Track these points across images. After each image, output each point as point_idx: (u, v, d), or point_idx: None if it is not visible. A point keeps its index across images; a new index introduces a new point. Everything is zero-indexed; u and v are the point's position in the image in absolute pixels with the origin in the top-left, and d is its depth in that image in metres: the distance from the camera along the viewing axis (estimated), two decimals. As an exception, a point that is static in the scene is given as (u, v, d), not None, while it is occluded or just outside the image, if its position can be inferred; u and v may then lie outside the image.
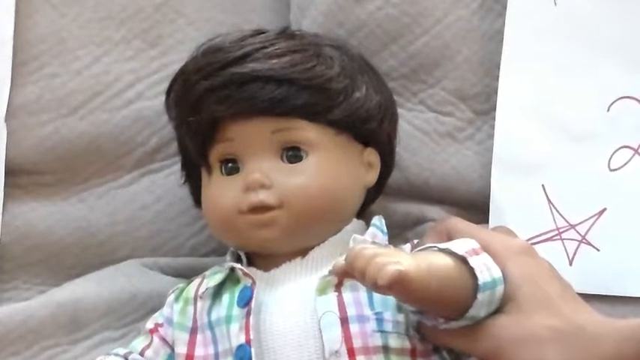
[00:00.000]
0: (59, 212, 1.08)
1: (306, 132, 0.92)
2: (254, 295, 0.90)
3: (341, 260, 0.82)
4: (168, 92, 0.99)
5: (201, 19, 1.10)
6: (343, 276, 0.85)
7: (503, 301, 0.86)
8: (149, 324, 0.97)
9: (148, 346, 0.96)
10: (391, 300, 0.89)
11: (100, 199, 1.08)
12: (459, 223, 0.93)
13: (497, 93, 1.04)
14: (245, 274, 0.92)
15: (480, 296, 0.83)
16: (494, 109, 1.05)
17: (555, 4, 1.03)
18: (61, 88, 1.08)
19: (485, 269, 0.84)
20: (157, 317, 0.97)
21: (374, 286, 0.78)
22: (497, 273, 0.85)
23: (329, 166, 0.92)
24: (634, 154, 1.02)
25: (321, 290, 0.89)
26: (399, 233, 1.04)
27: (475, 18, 1.06)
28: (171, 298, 0.97)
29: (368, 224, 0.96)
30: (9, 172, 1.07)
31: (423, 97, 1.07)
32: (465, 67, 1.06)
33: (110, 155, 1.08)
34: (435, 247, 0.85)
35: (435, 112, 1.06)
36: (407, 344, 0.88)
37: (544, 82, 1.04)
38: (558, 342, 0.83)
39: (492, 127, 1.05)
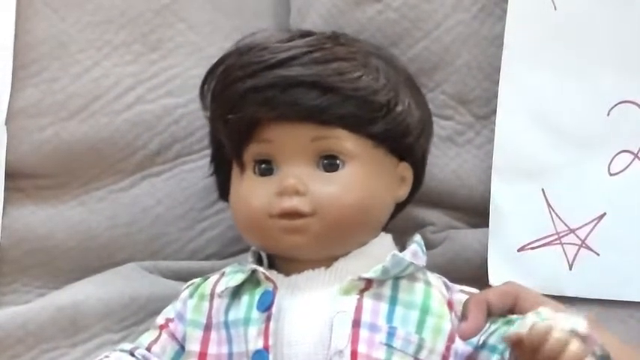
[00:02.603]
0: (59, 215, 1.08)
1: (346, 142, 0.92)
2: (275, 301, 0.89)
3: (524, 329, 0.80)
4: (204, 82, 0.98)
5: (201, 23, 1.10)
6: (515, 343, 0.81)
7: None
8: (160, 319, 0.96)
9: (155, 341, 0.95)
10: (413, 318, 0.89)
11: (99, 203, 1.08)
12: (521, 290, 0.90)
13: (497, 97, 1.05)
14: (267, 277, 0.91)
15: None
16: (494, 113, 1.05)
17: (555, 8, 1.03)
18: (61, 92, 1.08)
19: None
20: (169, 312, 0.96)
21: None
22: None
23: (364, 178, 0.92)
24: (634, 159, 1.02)
25: (346, 291, 0.89)
26: (398, 237, 1.04)
27: (475, 22, 1.06)
28: (185, 293, 0.96)
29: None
30: (9, 176, 1.07)
31: (424, 101, 1.07)
32: (465, 71, 1.06)
33: (110, 159, 1.08)
34: None
35: (434, 116, 1.06)
36: None
37: (544, 87, 1.04)
38: None
39: (492, 131, 1.05)
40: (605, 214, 1.02)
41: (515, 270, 1.01)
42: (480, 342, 0.88)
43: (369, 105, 0.93)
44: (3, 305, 1.06)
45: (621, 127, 1.02)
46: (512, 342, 0.80)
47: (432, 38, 1.06)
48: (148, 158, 1.09)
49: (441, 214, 1.07)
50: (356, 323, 0.88)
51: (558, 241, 1.02)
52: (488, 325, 0.88)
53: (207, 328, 0.93)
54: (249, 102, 0.91)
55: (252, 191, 0.92)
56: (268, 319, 0.88)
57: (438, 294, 0.91)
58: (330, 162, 0.92)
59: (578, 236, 1.02)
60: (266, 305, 0.89)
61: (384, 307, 0.89)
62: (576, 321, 0.80)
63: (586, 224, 1.02)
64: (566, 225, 1.02)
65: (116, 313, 1.03)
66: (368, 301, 0.89)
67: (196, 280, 0.96)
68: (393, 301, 0.90)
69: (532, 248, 0.99)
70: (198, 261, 1.08)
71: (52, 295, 1.05)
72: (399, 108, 0.94)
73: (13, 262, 1.07)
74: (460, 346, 0.89)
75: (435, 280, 0.93)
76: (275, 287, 0.90)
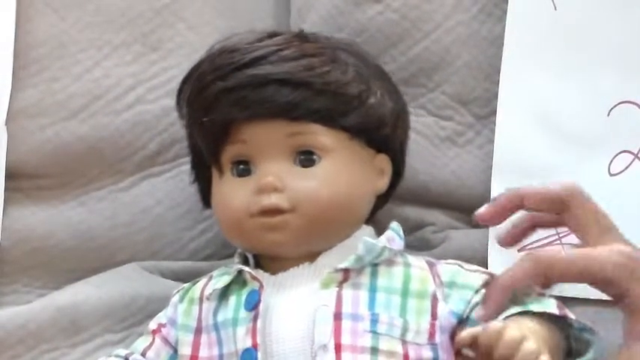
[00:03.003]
0: (59, 216, 1.08)
1: (321, 136, 0.92)
2: (261, 300, 0.90)
3: (475, 329, 0.80)
4: (180, 90, 0.98)
5: (201, 23, 1.10)
6: (468, 344, 0.81)
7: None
8: (152, 324, 0.97)
9: (150, 346, 0.95)
10: (395, 303, 0.89)
11: (100, 203, 1.08)
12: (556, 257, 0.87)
13: (497, 97, 1.05)
14: (253, 277, 0.91)
15: None
16: (494, 113, 1.05)
17: (555, 8, 1.03)
18: (61, 92, 1.08)
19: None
20: (161, 317, 0.97)
21: None
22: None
23: (341, 171, 0.92)
24: (634, 159, 1.02)
25: (325, 284, 0.90)
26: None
27: (475, 22, 1.06)
28: (175, 298, 0.97)
29: (377, 230, 0.96)
30: (9, 176, 1.07)
31: (423, 102, 1.07)
32: (465, 71, 1.06)
33: (110, 159, 1.08)
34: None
35: (435, 117, 1.06)
36: (399, 349, 0.88)
37: (544, 87, 1.04)
38: None
39: (492, 131, 1.05)
40: (605, 214, 1.02)
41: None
42: (465, 315, 0.89)
43: (340, 98, 0.93)
44: (3, 305, 1.06)
45: (621, 128, 1.02)
46: (467, 343, 0.80)
47: (432, 39, 1.06)
48: (148, 158, 1.09)
49: (441, 214, 1.07)
50: (337, 316, 0.88)
51: (558, 241, 1.02)
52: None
53: (198, 331, 0.93)
54: (222, 104, 0.92)
55: (232, 192, 0.93)
56: (255, 317, 0.89)
57: (417, 272, 0.91)
58: (306, 157, 0.92)
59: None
60: (253, 304, 0.90)
61: (364, 295, 0.89)
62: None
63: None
64: (566, 225, 1.02)
65: (116, 313, 1.03)
66: (348, 292, 0.89)
67: (185, 285, 0.97)
68: (373, 288, 0.90)
69: (532, 248, 0.99)
70: (199, 261, 1.08)
71: (53, 296, 1.05)
72: (371, 100, 0.95)
73: (13, 262, 1.07)
74: (444, 321, 0.89)
75: (416, 260, 0.93)
76: (261, 286, 0.90)
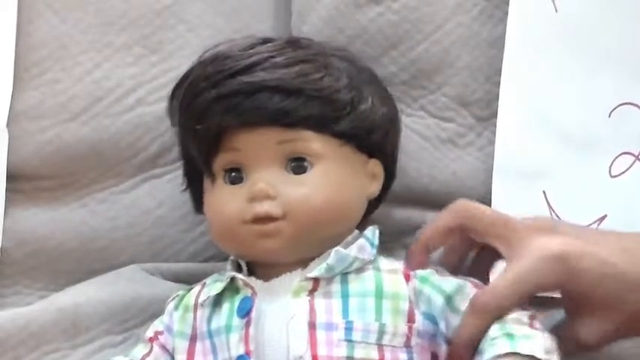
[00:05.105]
0: (60, 217, 1.08)
1: (312, 143, 0.92)
2: (254, 306, 0.90)
3: None
4: (172, 98, 0.99)
5: (202, 25, 1.10)
6: None
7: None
8: (149, 332, 0.97)
9: (148, 354, 0.96)
10: (370, 306, 0.89)
11: (101, 205, 1.08)
12: (470, 207, 0.94)
13: (498, 99, 1.05)
14: (245, 284, 0.92)
15: None
16: (495, 115, 1.05)
17: (556, 10, 1.04)
18: (62, 94, 1.08)
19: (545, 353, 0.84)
20: (157, 325, 0.97)
21: None
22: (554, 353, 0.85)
23: (333, 177, 0.92)
24: (635, 161, 1.02)
25: (295, 293, 0.90)
26: (398, 239, 1.04)
27: (476, 24, 1.06)
28: (170, 306, 0.97)
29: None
30: (10, 178, 1.07)
31: (424, 103, 1.07)
32: (466, 73, 1.06)
33: (111, 161, 1.08)
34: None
35: (435, 118, 1.06)
36: (374, 354, 0.88)
37: (545, 88, 1.04)
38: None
39: (493, 133, 1.05)
40: (605, 216, 1.02)
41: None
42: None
43: (332, 104, 0.93)
44: (4, 307, 1.06)
45: (622, 129, 1.02)
46: None
47: (432, 40, 1.06)
48: (149, 160, 1.09)
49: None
50: (312, 325, 0.88)
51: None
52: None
53: (193, 339, 0.93)
54: (214, 111, 0.92)
55: (224, 200, 0.93)
56: (248, 324, 0.89)
57: (388, 275, 0.92)
58: (298, 164, 0.92)
59: (578, 238, 1.02)
60: (245, 311, 0.90)
61: (337, 302, 0.89)
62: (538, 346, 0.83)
63: (587, 226, 1.02)
64: (567, 226, 1.02)
65: (117, 314, 1.03)
66: (320, 301, 0.89)
67: (180, 292, 0.97)
68: (345, 294, 0.90)
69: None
70: (200, 263, 1.08)
71: (54, 297, 1.05)
72: (363, 106, 0.95)
73: (14, 263, 1.07)
74: (420, 326, 0.89)
75: (388, 263, 0.93)
76: (254, 293, 0.91)
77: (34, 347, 1.02)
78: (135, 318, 1.04)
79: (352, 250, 0.92)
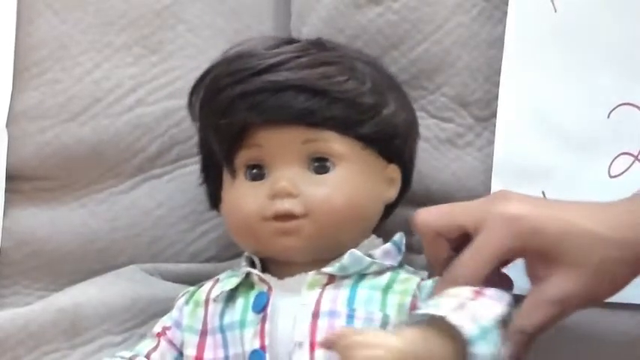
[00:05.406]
0: (60, 218, 1.08)
1: (335, 144, 0.93)
2: (270, 301, 0.90)
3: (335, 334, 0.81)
4: (192, 93, 0.99)
5: (202, 25, 1.10)
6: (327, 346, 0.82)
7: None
8: (157, 328, 0.97)
9: (155, 349, 0.96)
10: (377, 298, 0.90)
11: (100, 205, 1.08)
12: (425, 218, 0.92)
13: (497, 99, 1.04)
14: (261, 279, 0.92)
15: (475, 349, 0.80)
16: (494, 115, 1.05)
17: (555, 10, 1.03)
18: (61, 94, 1.08)
19: (471, 321, 0.81)
20: (165, 320, 0.97)
21: None
22: (486, 320, 0.82)
23: (354, 179, 0.93)
24: (634, 161, 1.01)
25: (310, 285, 0.91)
26: (398, 239, 1.04)
27: (475, 24, 1.06)
28: (181, 301, 0.97)
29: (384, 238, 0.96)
30: (10, 178, 1.07)
31: (424, 104, 1.07)
32: (466, 73, 1.06)
33: (111, 161, 1.08)
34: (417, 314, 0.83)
35: (435, 119, 1.06)
36: None
37: (544, 89, 1.03)
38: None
39: (493, 133, 1.04)
40: (605, 216, 1.02)
41: (516, 271, 1.01)
42: None
43: (356, 107, 0.94)
44: (4, 307, 1.06)
45: (622, 130, 1.02)
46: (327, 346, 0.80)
47: (432, 40, 1.06)
48: (148, 161, 1.09)
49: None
50: (315, 314, 0.89)
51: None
52: None
53: (203, 333, 0.94)
54: (238, 107, 0.92)
55: (245, 196, 0.93)
56: (264, 319, 0.90)
57: (404, 276, 0.92)
58: (320, 164, 0.93)
59: (578, 238, 1.01)
60: (261, 306, 0.91)
61: (344, 292, 0.90)
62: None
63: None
64: (566, 227, 1.02)
65: (117, 315, 1.04)
66: (329, 292, 0.90)
67: (191, 288, 0.98)
68: (355, 286, 0.91)
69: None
70: (199, 263, 1.08)
71: (53, 297, 1.05)
72: (386, 110, 0.96)
73: (13, 264, 1.07)
74: None
75: (406, 273, 0.93)
76: (269, 288, 0.91)
77: (34, 347, 1.02)
78: (135, 318, 1.04)
79: (376, 253, 0.93)
